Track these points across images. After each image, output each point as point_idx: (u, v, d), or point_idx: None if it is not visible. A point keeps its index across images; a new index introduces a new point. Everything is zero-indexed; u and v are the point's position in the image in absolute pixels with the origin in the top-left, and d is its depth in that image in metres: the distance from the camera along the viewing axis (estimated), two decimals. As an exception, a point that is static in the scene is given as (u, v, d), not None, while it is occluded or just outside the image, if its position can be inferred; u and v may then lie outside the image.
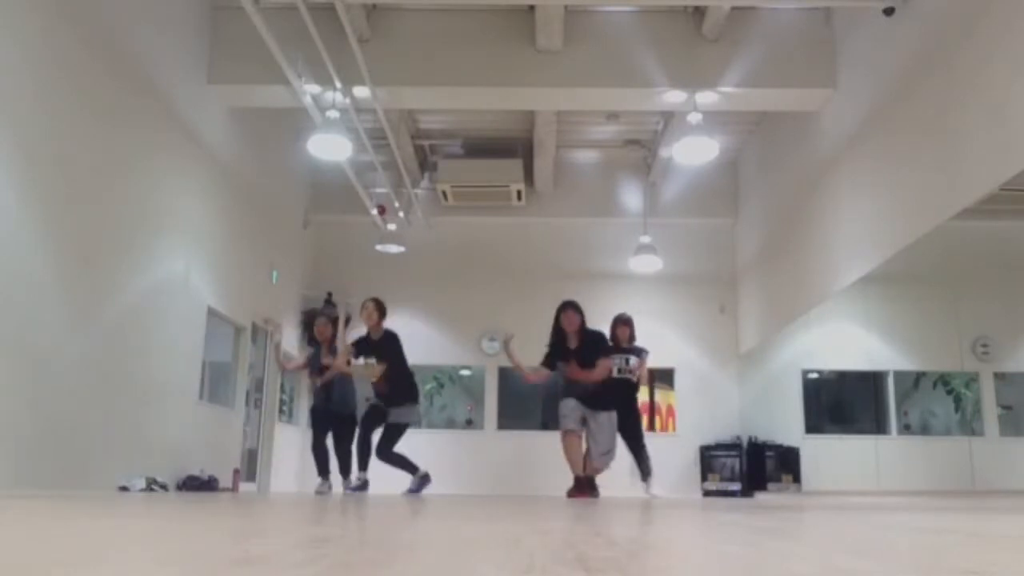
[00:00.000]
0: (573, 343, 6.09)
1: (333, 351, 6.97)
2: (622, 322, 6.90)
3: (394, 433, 6.62)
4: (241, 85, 8.00)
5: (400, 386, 6.66)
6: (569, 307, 6.15)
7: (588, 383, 6.01)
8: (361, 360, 6.61)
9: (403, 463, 6.58)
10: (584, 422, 6.02)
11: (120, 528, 1.74)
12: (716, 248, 11.61)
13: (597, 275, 11.16)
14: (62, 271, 5.69)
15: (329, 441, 7.00)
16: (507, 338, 6.36)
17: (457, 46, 7.92)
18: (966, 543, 1.58)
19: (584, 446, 6.10)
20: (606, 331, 6.62)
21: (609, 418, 6.06)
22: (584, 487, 5.96)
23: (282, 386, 10.32)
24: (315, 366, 7.08)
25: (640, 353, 6.85)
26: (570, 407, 6.01)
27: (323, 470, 6.98)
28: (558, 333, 6.14)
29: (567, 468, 6.05)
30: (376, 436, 6.63)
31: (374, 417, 6.66)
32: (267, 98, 8.16)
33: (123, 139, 6.50)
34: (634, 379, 6.79)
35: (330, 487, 6.93)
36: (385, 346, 6.65)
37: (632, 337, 6.86)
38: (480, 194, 10.67)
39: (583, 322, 6.13)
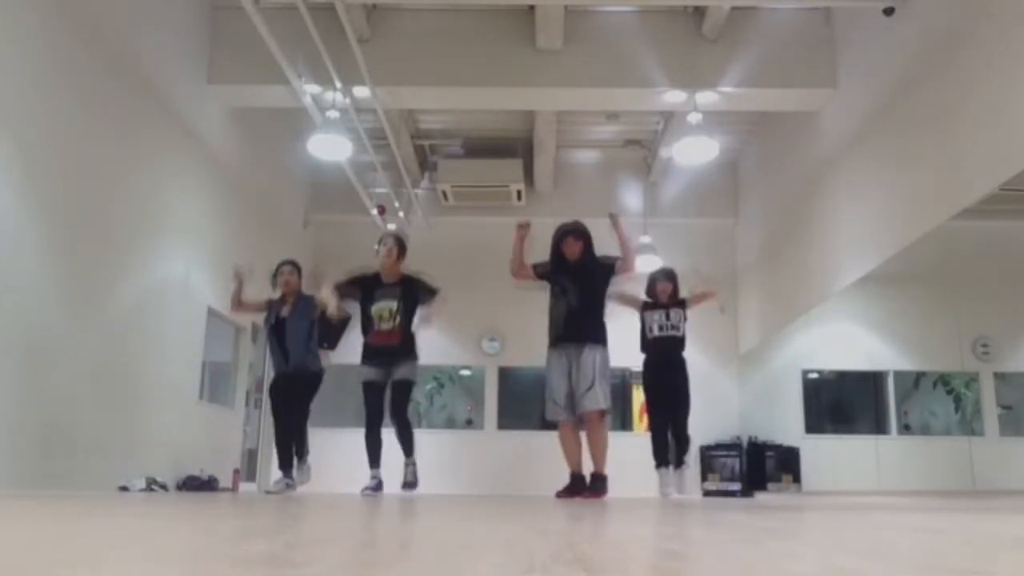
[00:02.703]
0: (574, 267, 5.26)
1: (300, 307, 5.92)
2: (664, 276, 6.09)
3: (404, 390, 5.52)
4: (241, 85, 8.00)
5: (409, 342, 5.50)
6: (570, 234, 5.22)
7: (562, 312, 5.09)
8: (380, 305, 5.40)
9: (410, 436, 5.54)
10: (570, 379, 5.10)
11: (120, 528, 1.74)
12: (716, 248, 11.59)
13: (597, 275, 11.16)
14: (62, 271, 5.69)
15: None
16: (523, 224, 5.35)
17: (457, 46, 7.92)
18: (966, 543, 1.58)
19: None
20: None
21: (595, 353, 5.08)
22: (578, 487, 5.17)
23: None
24: (272, 316, 6.02)
25: (684, 306, 6.06)
26: (550, 373, 5.12)
27: (288, 461, 5.91)
28: (557, 260, 5.28)
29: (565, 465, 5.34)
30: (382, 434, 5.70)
31: (376, 397, 5.51)
32: (267, 98, 8.17)
33: (123, 139, 6.50)
34: (680, 335, 6.01)
35: (290, 485, 5.89)
36: (408, 291, 5.46)
37: (675, 294, 6.09)
38: (480, 194, 10.67)
39: (586, 247, 5.24)
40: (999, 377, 8.27)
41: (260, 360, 9.80)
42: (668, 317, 6.06)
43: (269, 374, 9.91)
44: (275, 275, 6.11)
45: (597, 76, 7.99)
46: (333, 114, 7.65)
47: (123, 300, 6.50)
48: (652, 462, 6.17)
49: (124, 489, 6.11)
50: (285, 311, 5.97)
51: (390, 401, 5.58)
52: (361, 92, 7.90)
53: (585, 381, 5.04)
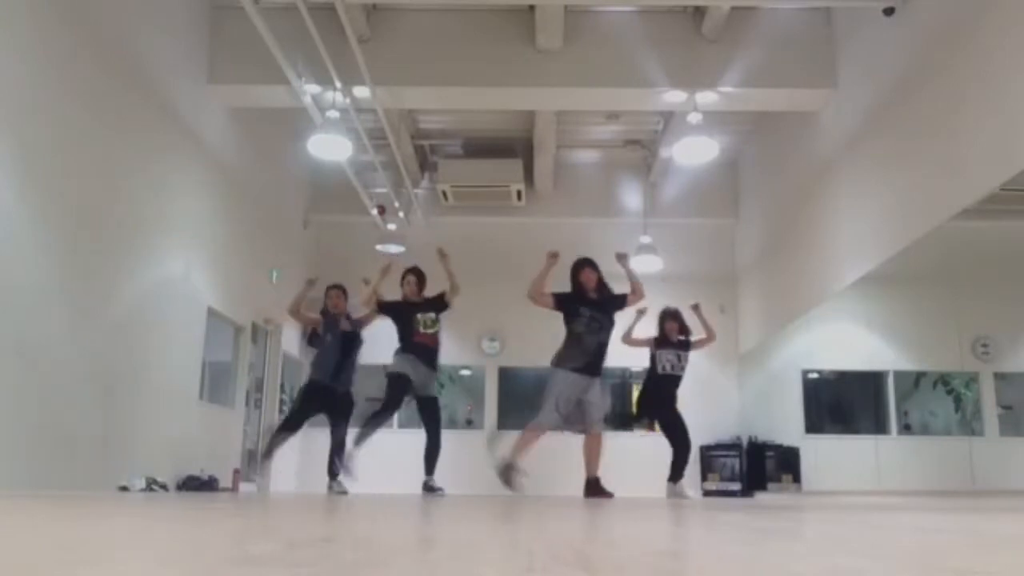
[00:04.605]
0: (593, 296, 5.84)
1: (349, 322, 6.54)
2: (670, 316, 6.60)
3: (434, 407, 6.34)
4: (241, 85, 7.99)
5: (438, 353, 6.39)
6: (587, 265, 5.83)
7: (594, 345, 5.65)
8: (424, 315, 6.25)
9: (435, 456, 6.27)
10: (578, 403, 5.64)
11: (120, 528, 1.74)
12: (716, 248, 11.60)
13: (597, 275, 11.16)
14: (62, 271, 5.69)
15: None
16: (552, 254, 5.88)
17: (457, 46, 7.92)
18: (966, 543, 1.58)
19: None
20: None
21: (600, 385, 5.72)
22: (515, 471, 5.64)
23: (282, 386, 10.32)
24: (333, 330, 6.56)
25: (688, 347, 6.61)
26: (561, 390, 5.61)
27: (270, 453, 6.62)
28: (577, 289, 5.83)
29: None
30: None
31: (400, 391, 6.17)
32: (267, 98, 8.16)
33: (123, 139, 6.50)
34: (682, 375, 6.56)
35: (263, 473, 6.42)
36: (437, 302, 6.36)
37: (682, 331, 6.61)
38: (480, 194, 10.67)
39: (600, 279, 5.86)
40: (999, 377, 8.27)
41: (260, 360, 9.81)
42: (680, 359, 6.54)
43: (272, 377, 9.94)
44: (325, 297, 6.68)
45: (597, 76, 7.98)
46: (333, 114, 7.65)
47: (123, 300, 6.50)
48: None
49: (124, 489, 6.11)
50: (346, 325, 6.52)
51: (426, 420, 6.34)
52: (361, 92, 7.89)
53: (598, 411, 5.69)
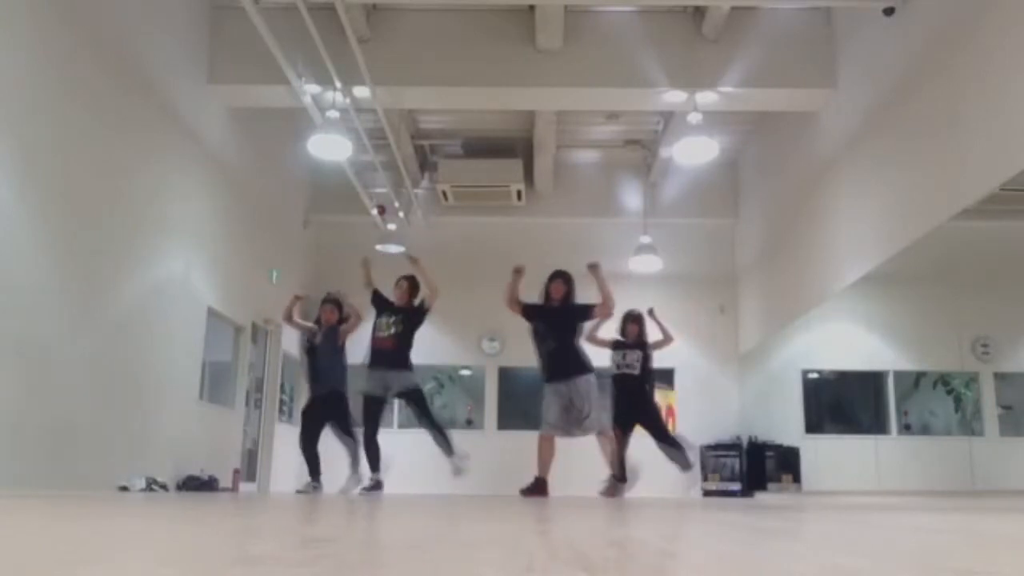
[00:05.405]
0: (555, 306, 6.01)
1: (330, 335, 6.69)
2: (631, 320, 6.73)
3: (418, 399, 6.48)
4: (241, 85, 7.99)
5: (403, 352, 6.50)
6: (558, 277, 6.01)
7: (544, 353, 5.85)
8: (384, 319, 6.50)
9: (445, 438, 6.41)
10: (567, 408, 5.77)
11: (120, 528, 1.74)
12: (716, 248, 11.60)
13: (597, 275, 11.15)
14: (62, 271, 5.69)
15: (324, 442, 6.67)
16: (518, 268, 6.08)
17: (457, 46, 7.92)
18: (966, 543, 1.58)
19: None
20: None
21: (587, 381, 5.77)
22: (541, 489, 5.81)
23: (282, 386, 10.32)
24: (308, 342, 6.93)
25: (644, 347, 6.65)
26: (548, 402, 5.83)
27: (314, 472, 6.62)
28: (545, 301, 6.02)
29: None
30: (384, 433, 6.47)
31: (374, 409, 6.39)
32: (267, 98, 8.16)
33: (123, 139, 6.50)
34: (636, 372, 6.56)
35: (315, 488, 6.54)
36: (411, 314, 6.53)
37: (641, 335, 6.69)
38: (480, 194, 10.67)
39: (569, 292, 5.98)
40: (999, 377, 8.28)
41: (260, 360, 9.81)
42: (624, 357, 6.65)
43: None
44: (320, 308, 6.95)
45: (597, 76, 7.98)
46: (333, 114, 7.65)
47: (123, 300, 6.50)
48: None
49: (124, 489, 6.11)
50: (318, 338, 6.77)
51: (415, 415, 6.56)
52: (361, 92, 7.89)
53: (584, 410, 5.77)
